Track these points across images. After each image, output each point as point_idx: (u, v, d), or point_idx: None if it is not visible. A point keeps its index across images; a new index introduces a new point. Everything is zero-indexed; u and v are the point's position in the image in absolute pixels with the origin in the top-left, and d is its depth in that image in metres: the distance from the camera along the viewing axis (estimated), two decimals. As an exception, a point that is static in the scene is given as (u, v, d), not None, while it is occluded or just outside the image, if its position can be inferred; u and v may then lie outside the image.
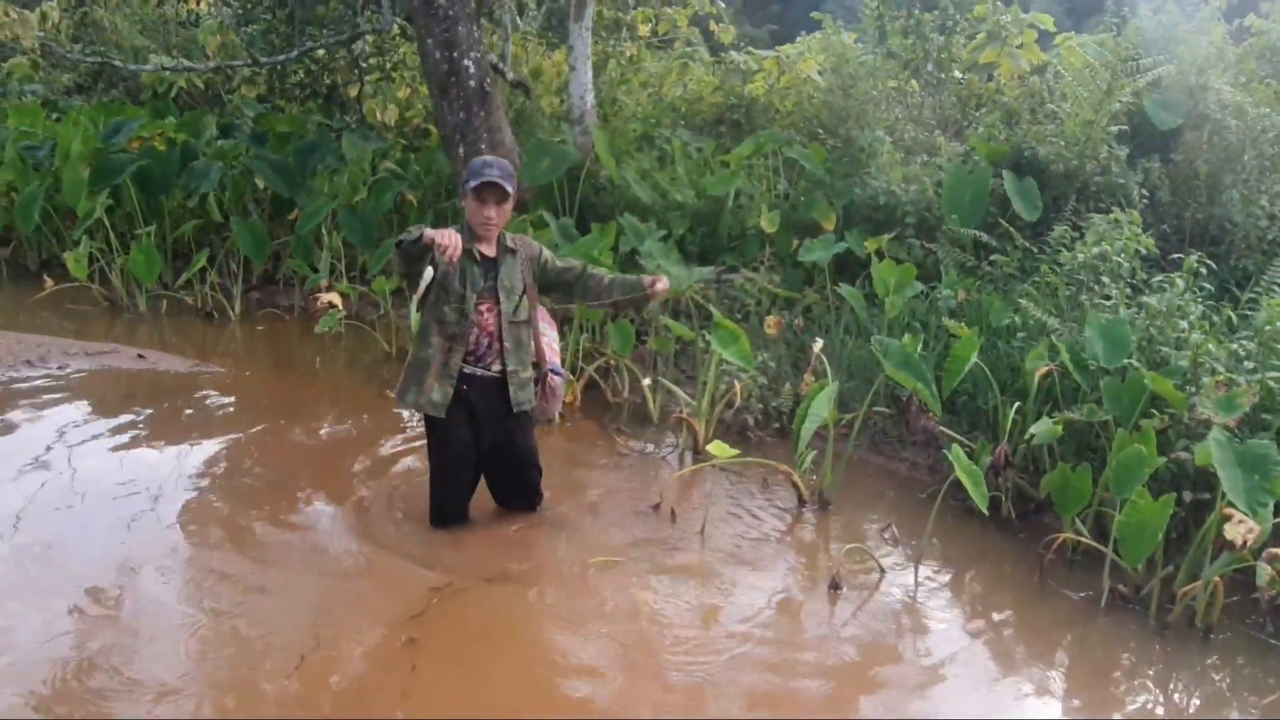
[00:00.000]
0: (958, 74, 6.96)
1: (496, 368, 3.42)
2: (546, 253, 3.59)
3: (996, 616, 3.33)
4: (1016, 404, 3.99)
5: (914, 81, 6.87)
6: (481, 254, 3.40)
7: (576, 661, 2.88)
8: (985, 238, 5.19)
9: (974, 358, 3.91)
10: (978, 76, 7.06)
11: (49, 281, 7.19)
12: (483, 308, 3.37)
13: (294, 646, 2.83)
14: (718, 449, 3.57)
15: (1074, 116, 5.50)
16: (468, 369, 3.38)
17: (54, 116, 9.30)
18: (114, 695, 2.59)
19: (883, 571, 3.50)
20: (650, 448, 4.71)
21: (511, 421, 3.48)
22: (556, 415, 3.92)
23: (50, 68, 11.42)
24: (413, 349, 3.47)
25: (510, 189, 3.32)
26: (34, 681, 2.62)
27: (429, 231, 3.07)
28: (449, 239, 3.03)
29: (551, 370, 3.53)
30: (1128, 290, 4.36)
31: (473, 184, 3.29)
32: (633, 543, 3.64)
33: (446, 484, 3.54)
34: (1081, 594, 3.44)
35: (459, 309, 3.33)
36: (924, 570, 3.56)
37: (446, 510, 3.57)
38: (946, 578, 3.57)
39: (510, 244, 3.46)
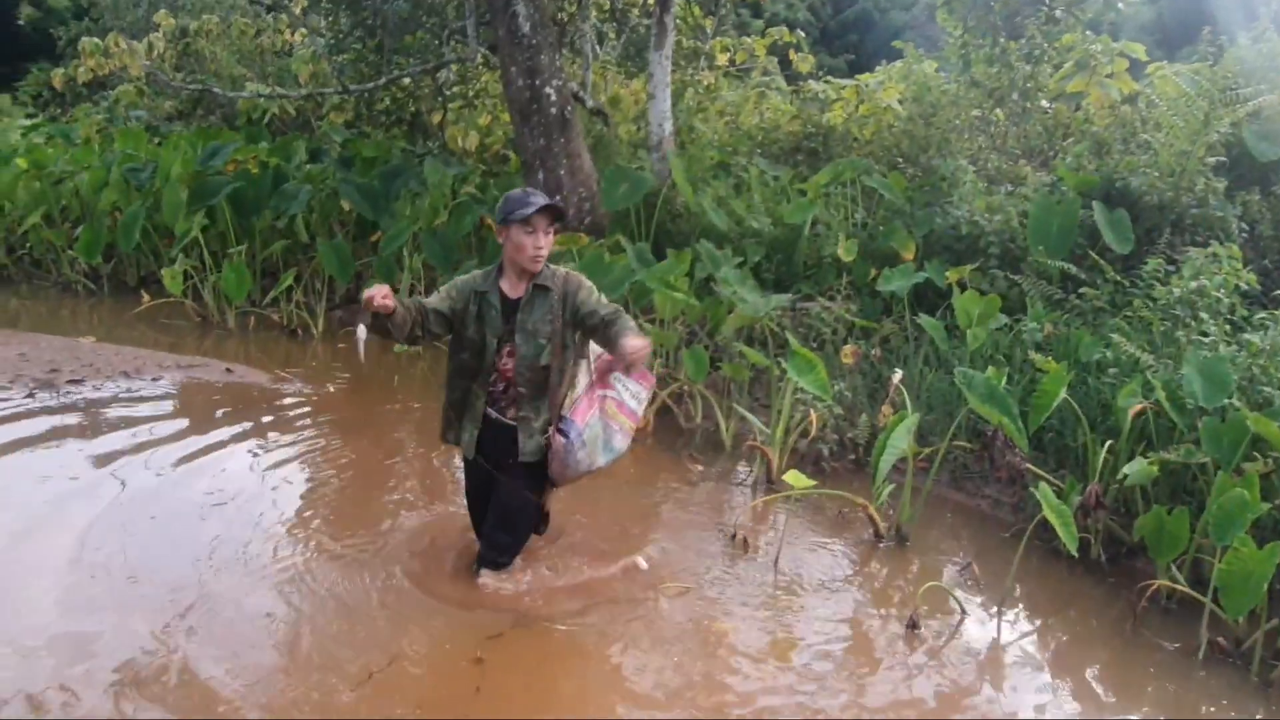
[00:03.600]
0: (1044, 103, 6.82)
1: (512, 414, 3.21)
2: (585, 291, 3.17)
3: (1086, 666, 3.19)
4: (1108, 443, 3.84)
5: (998, 110, 6.75)
6: (504, 295, 3.17)
7: (641, 690, 2.84)
8: (1073, 270, 5.04)
9: (1062, 393, 3.77)
10: (1065, 105, 6.89)
11: (146, 297, 7.53)
12: (504, 351, 3.16)
13: (363, 660, 2.86)
14: (794, 479, 3.52)
15: (1169, 147, 5.33)
16: (492, 413, 3.21)
17: (156, 141, 9.78)
18: (189, 702, 2.65)
19: (963, 613, 3.38)
20: (723, 475, 4.67)
21: (514, 469, 3.22)
22: (563, 485, 3.36)
23: (154, 95, 12.03)
24: (445, 391, 3.32)
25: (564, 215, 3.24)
26: (114, 688, 2.69)
27: (364, 300, 2.97)
28: (378, 295, 2.93)
29: (559, 428, 3.17)
30: (1227, 327, 4.17)
31: (524, 212, 3.05)
32: (705, 571, 3.59)
33: (472, 515, 3.49)
34: (1176, 645, 3.27)
35: (475, 353, 3.17)
36: (1007, 613, 3.43)
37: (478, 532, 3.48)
38: (1032, 622, 3.44)
39: (546, 282, 3.16)
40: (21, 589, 3.21)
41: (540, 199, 3.11)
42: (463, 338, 3.20)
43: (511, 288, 3.18)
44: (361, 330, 3.03)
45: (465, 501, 3.50)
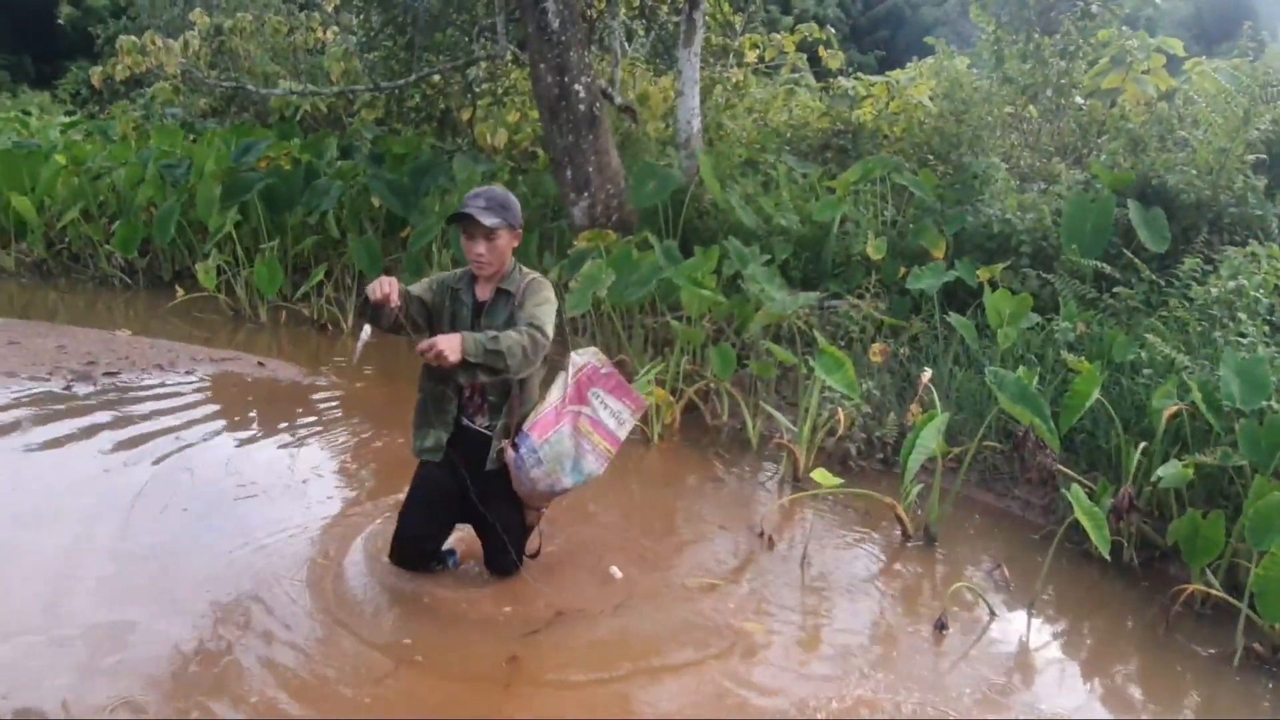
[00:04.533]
0: (1079, 100, 6.72)
1: (481, 421, 3.11)
2: (531, 301, 3.01)
3: (1117, 670, 3.15)
4: (1141, 445, 3.78)
5: (1031, 107, 6.67)
6: (475, 297, 3.09)
7: (667, 688, 2.84)
8: (1107, 269, 4.97)
9: (1095, 394, 3.72)
10: (1100, 102, 6.79)
11: (180, 291, 7.66)
12: None
13: (395, 653, 2.88)
14: (822, 477, 3.50)
15: (1207, 144, 5.24)
16: (465, 420, 3.12)
17: (191, 137, 9.92)
18: (223, 693, 2.68)
19: (993, 614, 3.35)
20: (749, 473, 4.66)
21: (489, 483, 3.12)
22: (530, 504, 3.21)
23: (189, 92, 12.18)
24: (417, 395, 3.21)
25: (490, 222, 2.95)
26: (145, 678, 2.72)
27: (368, 289, 2.86)
28: (380, 287, 2.81)
29: (514, 441, 3.03)
30: (1266, 328, 4.09)
31: (449, 217, 2.97)
32: (732, 568, 3.59)
33: (402, 519, 3.26)
34: (1211, 651, 3.22)
35: None
36: (1037, 616, 3.39)
37: (399, 546, 3.27)
38: (1062, 624, 3.40)
39: (510, 286, 3.07)
40: (57, 578, 3.26)
41: (477, 203, 2.97)
42: (436, 334, 3.01)
43: (481, 290, 3.10)
44: (367, 331, 2.96)
45: (402, 510, 3.26)
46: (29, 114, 17.58)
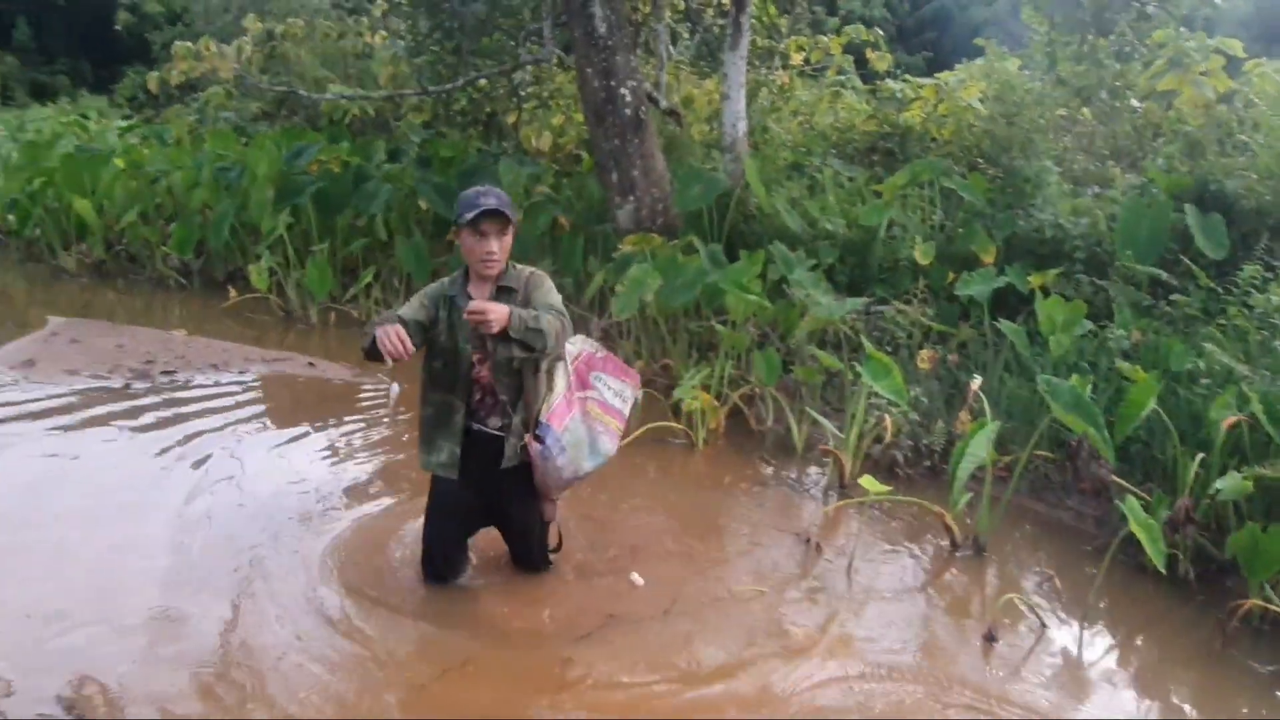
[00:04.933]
0: (1134, 102, 6.59)
1: (494, 422, 3.09)
2: (541, 290, 3.04)
3: (1172, 686, 3.09)
4: (1199, 456, 3.70)
5: (1085, 110, 6.55)
6: (471, 299, 3.01)
7: (715, 691, 2.85)
8: (1164, 276, 4.87)
9: (1151, 403, 3.65)
10: (1156, 105, 6.66)
11: (233, 292, 7.83)
12: (476, 359, 3.04)
13: (449, 652, 2.93)
14: (869, 484, 3.48)
15: (1268, 148, 5.12)
16: (475, 426, 3.09)
17: (243, 141, 10.13)
18: (277, 687, 2.74)
19: (1043, 626, 3.30)
20: (794, 479, 4.64)
21: (507, 485, 3.13)
22: (551, 496, 3.26)
23: (241, 96, 12.45)
24: (420, 408, 3.18)
25: (512, 216, 2.97)
26: (202, 669, 2.80)
27: (378, 334, 2.79)
28: (391, 343, 2.75)
29: (536, 434, 3.05)
30: (1331, 338, 3.99)
31: (468, 215, 2.91)
32: (779, 575, 3.58)
33: (428, 537, 3.29)
34: (1270, 668, 3.14)
35: (449, 362, 3.05)
36: (1089, 629, 3.34)
37: (429, 563, 3.31)
38: (1115, 638, 3.34)
39: (511, 283, 3.06)
40: (118, 569, 3.38)
41: (488, 200, 2.94)
42: (436, 346, 3.06)
43: (478, 291, 3.05)
44: (395, 389, 2.97)
45: (425, 530, 3.29)
46: (88, 118, 18.09)
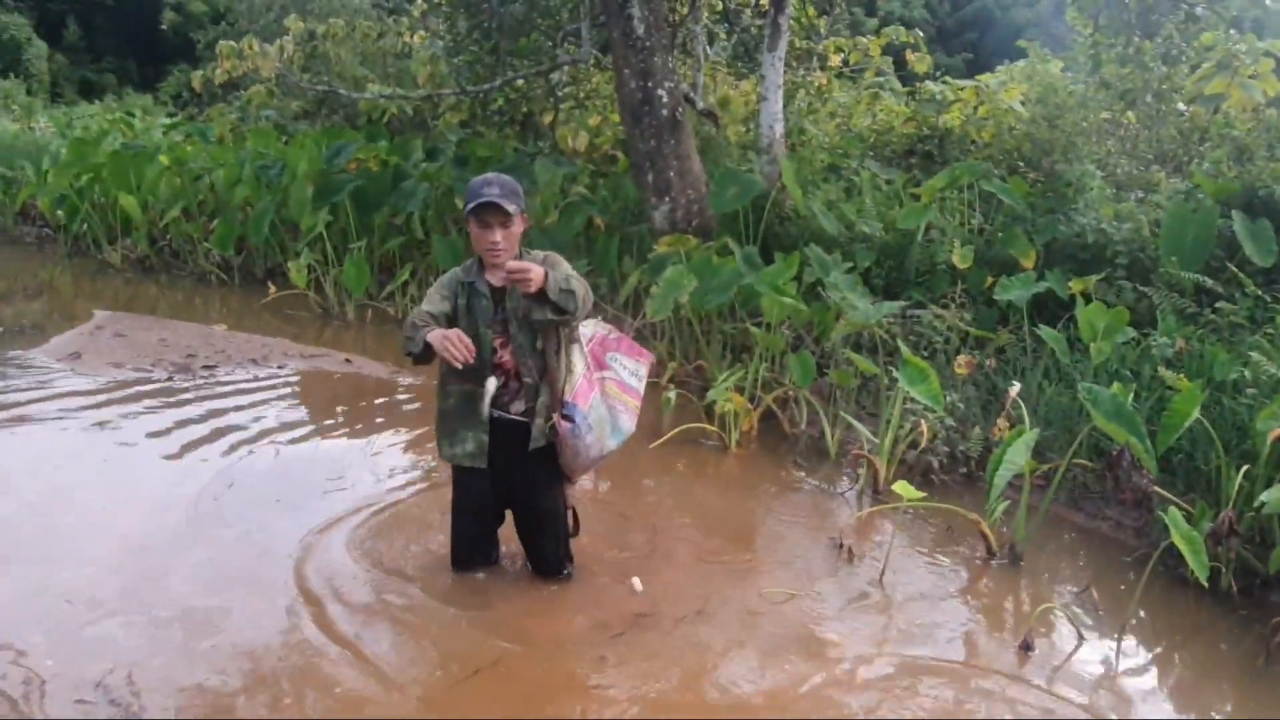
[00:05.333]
0: (1180, 105, 6.47)
1: (516, 407, 3.11)
2: (561, 266, 3.03)
3: (1213, 702, 3.03)
4: (1244, 467, 3.62)
5: (1130, 113, 6.45)
6: (490, 285, 3.07)
7: (752, 699, 2.84)
8: (1209, 283, 4.78)
9: (1195, 413, 3.58)
10: (1203, 108, 6.53)
11: (272, 288, 7.94)
12: (497, 343, 3.06)
13: (483, 651, 2.94)
14: (904, 489, 3.45)
15: (1321, 153, 4.99)
16: (496, 413, 3.08)
17: (284, 139, 10.27)
18: (312, 680, 2.77)
19: (1081, 638, 3.25)
20: (827, 482, 4.61)
21: (530, 470, 3.15)
22: (577, 477, 3.33)
23: (283, 95, 12.63)
24: (436, 399, 3.20)
25: (511, 208, 2.95)
26: (237, 661, 2.83)
27: (432, 337, 2.82)
28: (455, 347, 2.77)
29: (564, 414, 3.07)
30: (1384, 348, 3.88)
31: (470, 206, 2.95)
32: (810, 579, 3.56)
33: (457, 529, 3.33)
34: (1317, 686, 3.07)
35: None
36: (1128, 641, 3.28)
37: (458, 555, 3.36)
38: (1154, 651, 3.28)
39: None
40: (156, 561, 3.42)
41: (490, 191, 2.93)
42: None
43: (496, 277, 3.07)
44: (491, 383, 2.99)
45: (453, 522, 3.33)
46: (133, 115, 18.46)
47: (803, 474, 4.70)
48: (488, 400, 3.00)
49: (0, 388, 5.35)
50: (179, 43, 27.71)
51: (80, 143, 10.88)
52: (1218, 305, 4.69)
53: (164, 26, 28.71)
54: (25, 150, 12.91)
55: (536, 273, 2.77)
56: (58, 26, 31.46)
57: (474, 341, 2.99)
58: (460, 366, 2.82)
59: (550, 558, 3.34)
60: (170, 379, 5.67)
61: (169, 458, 4.46)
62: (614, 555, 3.62)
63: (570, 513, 3.39)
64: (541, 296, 2.82)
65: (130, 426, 4.84)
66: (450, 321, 3.06)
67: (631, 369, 3.32)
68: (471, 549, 3.36)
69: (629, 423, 3.27)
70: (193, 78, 12.31)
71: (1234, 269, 4.77)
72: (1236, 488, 3.56)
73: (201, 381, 5.67)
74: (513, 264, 2.80)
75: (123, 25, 32.43)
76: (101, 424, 4.85)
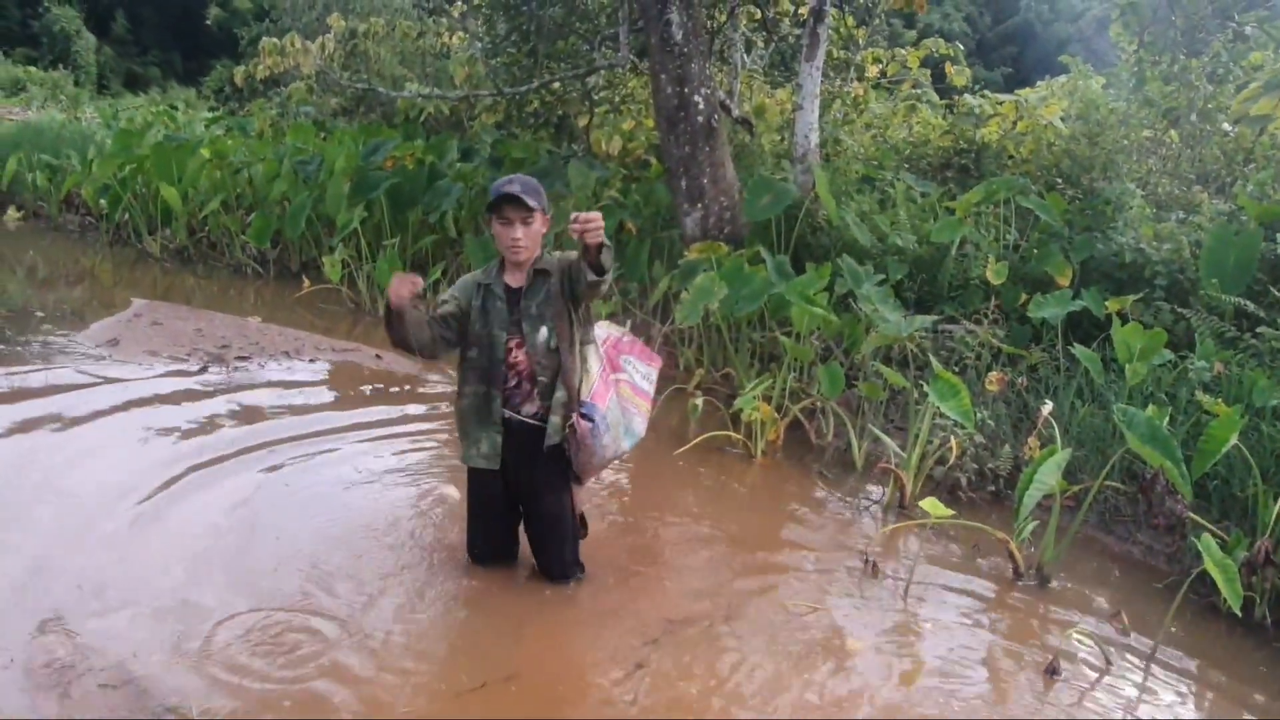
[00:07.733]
0: (1225, 126, 6.36)
1: (528, 409, 3.13)
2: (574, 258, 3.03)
3: (1244, 733, 2.96)
4: (1281, 496, 3.55)
5: (1173, 132, 6.34)
6: (507, 286, 3.10)
7: (774, 711, 2.82)
8: (1250, 307, 4.68)
9: (1233, 438, 3.52)
10: (1249, 129, 6.41)
11: (307, 282, 8.03)
12: (512, 344, 3.08)
13: (516, 655, 2.95)
14: (931, 506, 3.41)
15: (1370, 178, 4.89)
16: (508, 414, 3.12)
17: (323, 136, 10.39)
18: (319, 677, 2.78)
19: (1108, 663, 3.20)
20: (852, 496, 4.58)
21: (541, 472, 3.16)
22: (588, 478, 3.32)
23: (322, 92, 12.79)
24: (455, 402, 3.23)
25: (532, 203, 2.96)
26: (263, 656, 2.85)
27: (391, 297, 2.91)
28: (400, 284, 2.89)
29: (582, 414, 3.08)
30: None
31: (491, 200, 2.98)
32: (834, 592, 3.54)
33: (473, 529, 3.40)
34: (1352, 723, 3.00)
35: (484, 350, 3.10)
36: (1156, 668, 3.22)
37: (475, 553, 3.42)
38: (1184, 680, 3.21)
39: (547, 267, 3.08)
40: (167, 552, 3.43)
41: (511, 187, 2.97)
42: (470, 335, 3.12)
43: (514, 278, 3.11)
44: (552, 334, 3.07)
45: (468, 519, 3.39)
46: (176, 108, 18.77)
47: (828, 486, 4.67)
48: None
49: (40, 371, 5.45)
50: (223, 38, 28.18)
51: (125, 134, 11.07)
52: (1259, 330, 4.60)
53: (208, 22, 29.21)
54: (71, 140, 13.17)
55: (599, 226, 2.76)
56: (106, 20, 32.11)
57: (488, 343, 3.09)
58: (406, 295, 2.88)
59: (557, 561, 3.33)
60: (204, 369, 5.74)
61: (199, 448, 4.49)
62: (631, 562, 3.61)
63: (579, 517, 3.39)
64: (599, 250, 2.82)
65: (161, 416, 4.90)
66: (454, 321, 3.12)
67: (644, 373, 3.37)
68: (486, 547, 3.40)
69: (641, 425, 3.31)
70: (235, 73, 12.52)
71: (1276, 293, 4.67)
72: (1274, 516, 3.49)
73: (235, 372, 5.74)
74: (582, 214, 2.78)
75: (169, 20, 33.04)
76: (136, 410, 4.92)
